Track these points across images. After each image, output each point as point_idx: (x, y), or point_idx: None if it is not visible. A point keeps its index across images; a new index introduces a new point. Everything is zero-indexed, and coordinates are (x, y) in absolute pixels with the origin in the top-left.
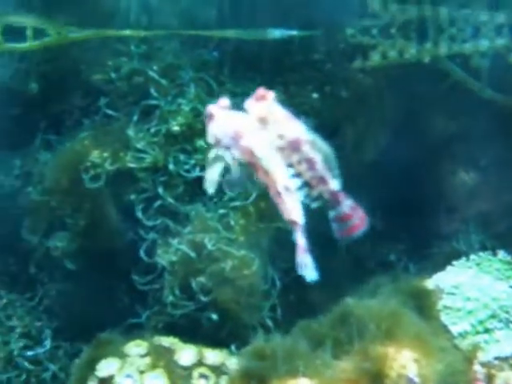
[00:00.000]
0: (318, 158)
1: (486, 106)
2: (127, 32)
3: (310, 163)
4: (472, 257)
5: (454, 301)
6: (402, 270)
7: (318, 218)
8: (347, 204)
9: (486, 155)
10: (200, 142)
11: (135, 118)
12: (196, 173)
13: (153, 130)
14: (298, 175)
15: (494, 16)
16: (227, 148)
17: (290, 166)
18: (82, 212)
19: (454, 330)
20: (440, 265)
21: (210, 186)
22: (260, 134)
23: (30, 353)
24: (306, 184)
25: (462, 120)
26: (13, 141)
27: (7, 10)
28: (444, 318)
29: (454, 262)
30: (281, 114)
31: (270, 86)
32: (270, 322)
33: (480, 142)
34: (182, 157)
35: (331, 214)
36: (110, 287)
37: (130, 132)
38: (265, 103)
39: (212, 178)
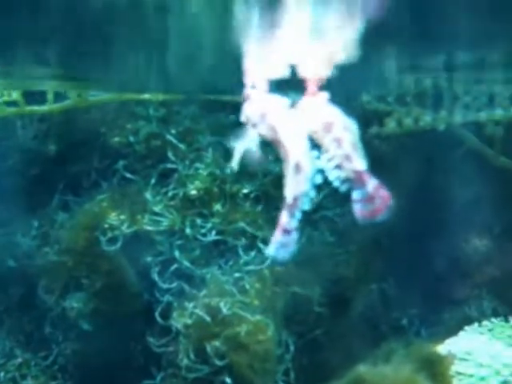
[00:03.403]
0: (346, 137)
1: (500, 173)
2: (146, 96)
3: (339, 141)
4: (484, 323)
5: (466, 367)
6: (414, 335)
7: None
8: (371, 185)
9: (499, 222)
10: (217, 207)
11: (153, 181)
12: (212, 236)
13: (170, 194)
14: (330, 159)
15: (508, 86)
16: (255, 126)
17: (326, 150)
18: (98, 273)
19: None
20: (452, 330)
21: (235, 163)
22: (287, 113)
23: None
24: (337, 166)
25: (475, 187)
26: (31, 201)
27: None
28: None
29: (467, 328)
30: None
31: None
32: None
33: (493, 209)
34: (198, 220)
35: (355, 194)
36: (125, 348)
37: (148, 195)
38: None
39: (238, 155)
